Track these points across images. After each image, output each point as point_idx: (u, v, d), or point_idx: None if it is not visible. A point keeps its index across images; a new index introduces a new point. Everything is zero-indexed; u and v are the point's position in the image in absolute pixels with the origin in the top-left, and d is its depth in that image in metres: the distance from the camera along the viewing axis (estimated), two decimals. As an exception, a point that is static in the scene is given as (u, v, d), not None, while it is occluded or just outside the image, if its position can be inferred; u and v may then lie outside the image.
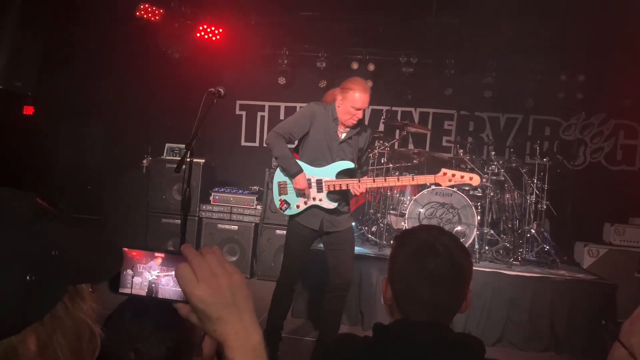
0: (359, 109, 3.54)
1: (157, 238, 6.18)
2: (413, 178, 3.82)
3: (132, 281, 0.87)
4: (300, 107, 3.93)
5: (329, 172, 3.65)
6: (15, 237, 0.66)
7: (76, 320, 0.71)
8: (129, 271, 0.86)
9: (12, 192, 0.70)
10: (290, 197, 3.72)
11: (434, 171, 5.89)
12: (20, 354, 0.64)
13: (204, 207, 6.24)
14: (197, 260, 0.83)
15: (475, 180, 3.70)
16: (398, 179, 3.80)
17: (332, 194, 3.67)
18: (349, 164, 3.65)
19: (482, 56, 6.56)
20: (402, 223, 5.48)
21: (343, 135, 3.68)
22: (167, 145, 6.45)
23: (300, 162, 3.66)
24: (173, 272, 0.85)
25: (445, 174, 3.68)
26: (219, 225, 6.19)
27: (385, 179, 3.77)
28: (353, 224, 6.11)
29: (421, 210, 5.33)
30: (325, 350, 1.50)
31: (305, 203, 3.68)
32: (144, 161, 6.39)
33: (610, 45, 6.03)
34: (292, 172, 3.62)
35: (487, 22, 5.97)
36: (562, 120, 6.85)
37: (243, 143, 7.39)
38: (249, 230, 6.14)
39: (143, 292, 0.87)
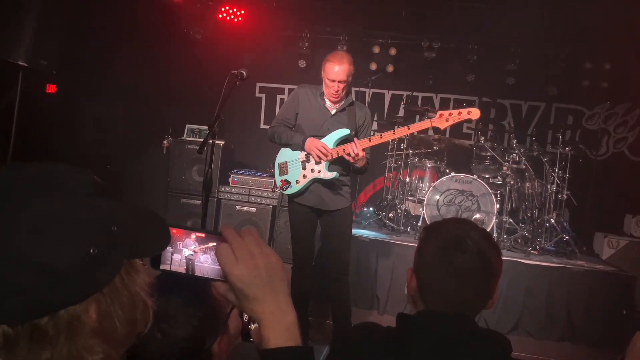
0: (333, 81, 3.53)
1: (177, 218, 6.24)
2: (409, 127, 3.58)
3: (171, 258, 0.89)
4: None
5: (326, 143, 3.60)
6: (79, 211, 0.69)
7: (131, 293, 0.74)
8: (169, 248, 0.88)
9: (71, 168, 0.73)
10: (291, 175, 3.74)
11: (454, 159, 5.97)
12: (83, 322, 0.68)
13: (223, 188, 6.28)
14: (237, 241, 0.86)
15: (475, 113, 3.49)
16: (393, 132, 3.59)
17: (331, 165, 3.66)
18: (345, 131, 3.61)
19: (505, 42, 6.46)
20: (420, 209, 5.47)
21: (334, 110, 3.70)
22: (188, 126, 6.48)
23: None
24: (212, 251, 0.87)
25: (441, 115, 3.52)
26: (237, 207, 6.23)
27: (381, 135, 3.59)
28: (371, 209, 6.19)
29: (439, 197, 5.32)
30: (347, 339, 1.49)
31: (305, 177, 3.68)
32: (165, 142, 6.44)
33: (638, 33, 5.89)
34: (300, 142, 3.63)
35: (511, 7, 5.87)
36: (586, 109, 6.74)
37: (262, 125, 7.40)
38: (266, 213, 6.18)
39: (182, 269, 0.90)
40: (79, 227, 0.67)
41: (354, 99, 3.81)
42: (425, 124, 3.60)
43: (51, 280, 0.64)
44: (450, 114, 3.51)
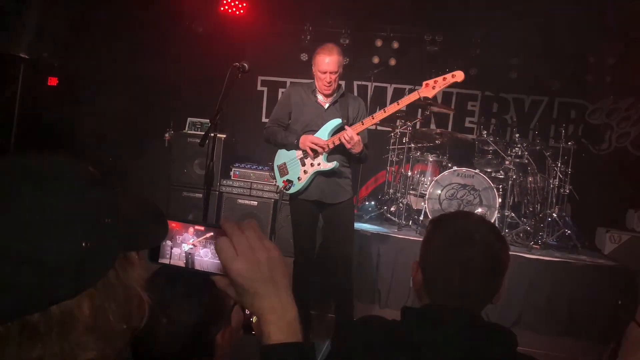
0: (325, 72, 3.57)
1: (178, 211, 6.24)
2: (398, 102, 3.59)
3: (170, 252, 0.88)
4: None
5: (320, 136, 3.64)
6: (70, 203, 0.66)
7: (126, 287, 0.72)
8: (168, 242, 0.87)
9: (65, 159, 0.71)
10: (292, 174, 3.76)
11: (457, 153, 5.95)
12: (75, 317, 0.66)
13: (225, 182, 6.27)
14: (237, 235, 0.84)
15: (459, 75, 3.48)
16: (384, 110, 3.61)
17: (329, 156, 3.68)
18: (337, 121, 3.64)
19: (509, 36, 6.42)
20: (422, 204, 5.45)
21: (327, 105, 3.72)
22: (189, 119, 6.46)
23: None
24: (212, 245, 0.86)
25: (427, 84, 3.54)
26: (239, 201, 6.22)
27: (373, 117, 3.61)
28: (373, 203, 6.18)
29: (441, 191, 5.30)
30: (351, 331, 1.47)
31: (306, 172, 3.70)
32: (166, 135, 6.42)
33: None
34: (295, 141, 3.67)
35: (514, 1, 5.82)
36: (589, 104, 6.71)
37: (264, 119, 7.38)
38: (268, 206, 6.17)
39: (181, 263, 0.89)
40: (71, 219, 0.65)
41: (344, 91, 3.83)
42: (413, 96, 3.58)
43: (42, 275, 0.62)
44: (435, 82, 3.53)
